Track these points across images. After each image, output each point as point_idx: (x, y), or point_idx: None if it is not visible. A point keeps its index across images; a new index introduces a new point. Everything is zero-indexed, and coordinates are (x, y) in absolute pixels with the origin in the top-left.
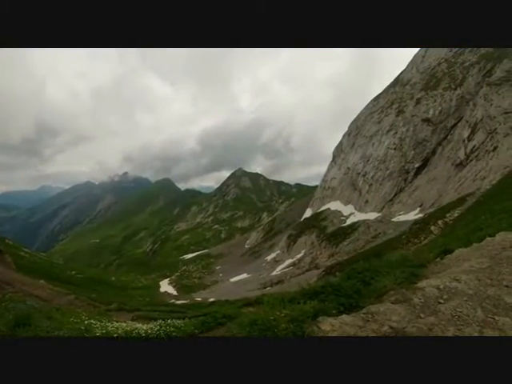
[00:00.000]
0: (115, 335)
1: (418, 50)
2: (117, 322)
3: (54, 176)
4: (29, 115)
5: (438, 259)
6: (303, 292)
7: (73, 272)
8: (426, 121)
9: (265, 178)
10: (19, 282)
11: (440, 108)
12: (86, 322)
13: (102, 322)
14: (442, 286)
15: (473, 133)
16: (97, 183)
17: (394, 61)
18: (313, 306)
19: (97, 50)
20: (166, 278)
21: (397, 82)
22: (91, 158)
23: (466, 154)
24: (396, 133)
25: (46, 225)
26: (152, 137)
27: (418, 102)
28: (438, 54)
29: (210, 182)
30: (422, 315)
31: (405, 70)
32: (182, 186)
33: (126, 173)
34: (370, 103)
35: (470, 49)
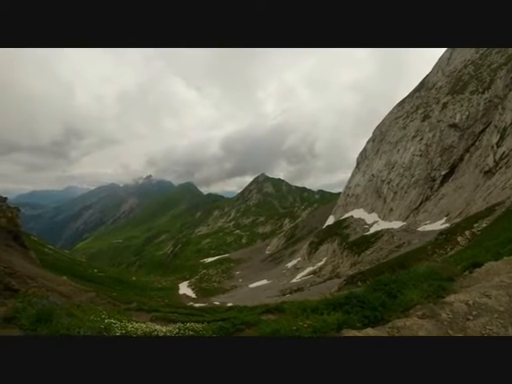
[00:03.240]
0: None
1: (442, 52)
2: (136, 322)
3: (80, 177)
4: (57, 118)
5: (467, 272)
6: (326, 302)
7: (95, 270)
8: (453, 126)
9: (287, 183)
10: (42, 278)
11: (467, 112)
12: (106, 320)
13: (122, 321)
14: (471, 302)
15: (502, 138)
16: (121, 185)
17: (421, 64)
18: (337, 318)
19: (122, 54)
20: (186, 280)
21: (422, 85)
22: (116, 161)
23: (494, 160)
24: (422, 139)
25: (70, 224)
26: (176, 141)
27: (445, 106)
28: (464, 56)
29: (233, 186)
30: (450, 332)
31: (430, 73)
32: (205, 190)
33: (149, 176)
34: (394, 108)
35: (497, 50)
